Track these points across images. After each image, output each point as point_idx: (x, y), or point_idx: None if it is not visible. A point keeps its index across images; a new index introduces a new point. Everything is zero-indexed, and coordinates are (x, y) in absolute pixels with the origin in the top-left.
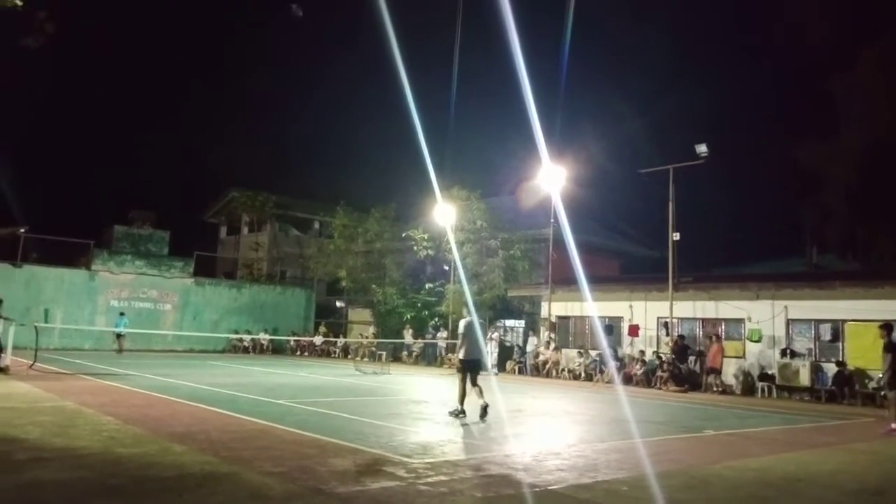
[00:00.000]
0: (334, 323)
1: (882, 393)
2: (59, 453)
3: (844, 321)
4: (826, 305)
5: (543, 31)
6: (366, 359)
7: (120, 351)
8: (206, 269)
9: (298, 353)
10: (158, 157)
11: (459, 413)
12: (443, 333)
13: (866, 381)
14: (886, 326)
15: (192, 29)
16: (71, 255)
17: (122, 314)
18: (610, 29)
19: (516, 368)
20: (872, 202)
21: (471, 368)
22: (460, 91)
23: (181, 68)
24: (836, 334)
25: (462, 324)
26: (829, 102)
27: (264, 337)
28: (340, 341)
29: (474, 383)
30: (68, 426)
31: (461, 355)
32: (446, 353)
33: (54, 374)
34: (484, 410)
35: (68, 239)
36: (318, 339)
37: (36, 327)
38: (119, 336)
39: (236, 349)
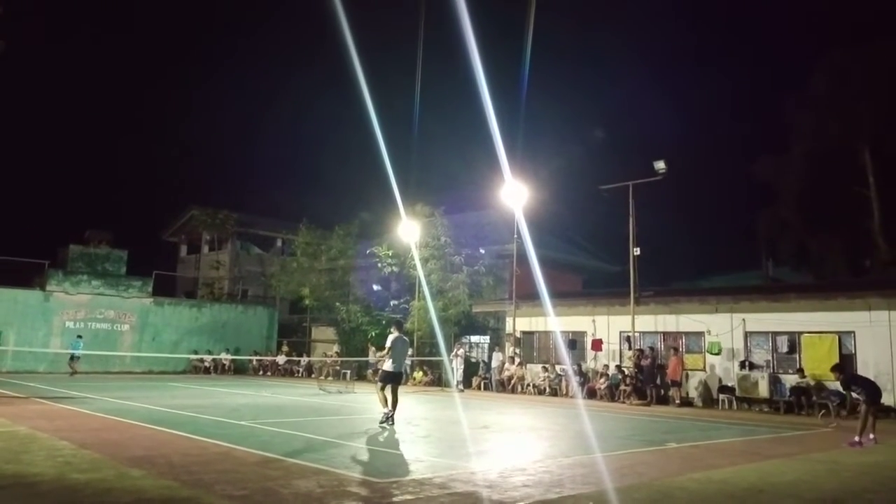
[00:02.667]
0: (297, 342)
1: (836, 403)
2: (12, 481)
3: (800, 333)
4: (782, 318)
5: (505, 50)
6: (330, 378)
7: (73, 373)
8: (165, 289)
9: (261, 373)
10: (116, 176)
11: (386, 419)
12: (408, 351)
13: (822, 392)
14: (838, 368)
15: (150, 46)
16: (25, 276)
17: (79, 336)
18: (571, 47)
19: (481, 384)
20: (822, 214)
21: (395, 380)
22: (423, 109)
23: (139, 85)
24: (793, 346)
25: (390, 339)
26: (781, 116)
27: (226, 357)
28: (304, 360)
29: (395, 393)
30: (21, 452)
31: (389, 367)
32: (412, 371)
33: (7, 398)
34: (390, 418)
35: (22, 259)
36: (281, 359)
37: None
38: (74, 358)
39: (197, 370)
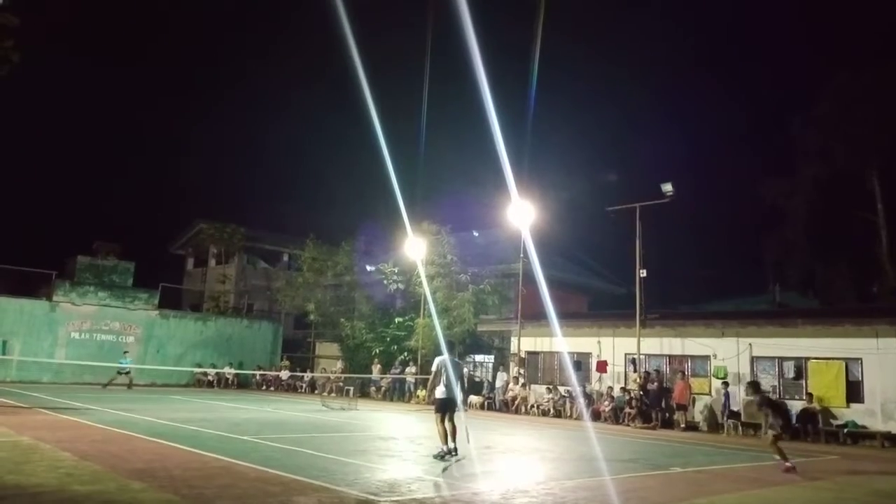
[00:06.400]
0: (302, 357)
1: (765, 433)
2: (13, 491)
3: (807, 359)
4: (789, 343)
5: (513, 69)
6: (333, 394)
7: (129, 386)
8: (171, 302)
9: (264, 387)
10: (125, 188)
11: (446, 454)
12: (411, 368)
13: (830, 419)
14: (753, 386)
15: (159, 61)
16: (32, 286)
17: (125, 352)
18: (579, 69)
19: (485, 404)
20: (829, 239)
21: (448, 407)
22: (430, 127)
23: (149, 100)
24: (800, 371)
25: (437, 361)
26: (789, 139)
27: (229, 371)
28: (307, 376)
29: (451, 421)
30: (23, 462)
31: (440, 394)
32: (415, 389)
33: (11, 408)
34: (453, 451)
35: (29, 269)
36: (284, 374)
37: None
38: (122, 373)
39: (200, 383)
